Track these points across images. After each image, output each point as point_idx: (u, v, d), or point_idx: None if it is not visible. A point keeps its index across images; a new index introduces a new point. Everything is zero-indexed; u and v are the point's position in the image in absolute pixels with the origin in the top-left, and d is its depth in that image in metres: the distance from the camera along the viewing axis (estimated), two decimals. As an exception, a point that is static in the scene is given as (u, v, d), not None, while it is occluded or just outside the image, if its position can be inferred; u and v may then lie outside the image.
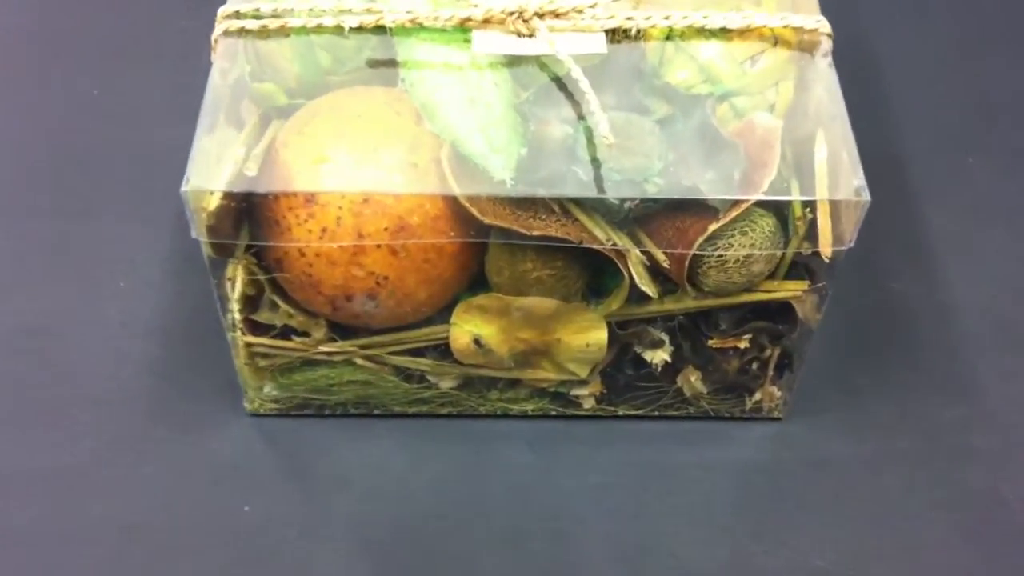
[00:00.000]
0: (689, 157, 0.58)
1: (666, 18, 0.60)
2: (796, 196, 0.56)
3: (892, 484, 0.65)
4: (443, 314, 0.61)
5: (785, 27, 0.61)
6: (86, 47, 0.88)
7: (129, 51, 0.87)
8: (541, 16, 0.60)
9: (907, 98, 0.85)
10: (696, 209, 0.56)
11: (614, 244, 0.56)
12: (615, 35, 0.61)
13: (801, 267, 0.60)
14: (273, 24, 0.60)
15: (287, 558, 0.61)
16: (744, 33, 0.61)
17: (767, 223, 0.57)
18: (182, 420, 0.66)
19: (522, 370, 0.63)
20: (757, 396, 0.65)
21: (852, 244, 0.56)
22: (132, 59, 0.87)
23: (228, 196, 0.54)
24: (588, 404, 0.66)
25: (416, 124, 0.58)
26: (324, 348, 0.62)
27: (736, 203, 0.56)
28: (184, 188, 0.53)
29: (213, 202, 0.54)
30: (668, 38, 0.61)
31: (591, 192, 0.55)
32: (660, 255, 0.57)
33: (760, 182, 0.56)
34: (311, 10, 0.60)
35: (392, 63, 0.61)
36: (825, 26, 0.61)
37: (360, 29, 0.59)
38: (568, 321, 0.60)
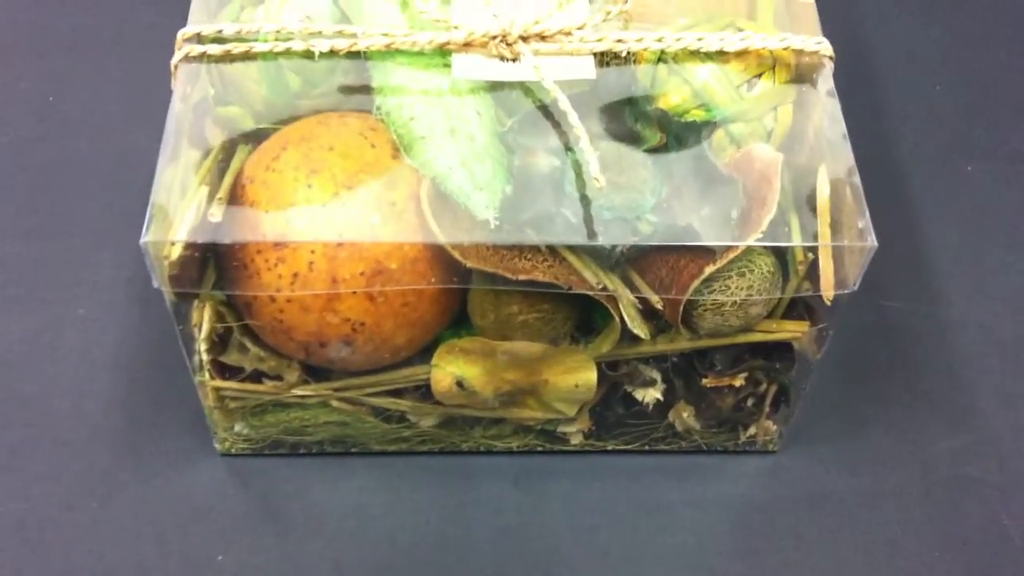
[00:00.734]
0: (683, 190, 0.55)
1: (659, 40, 0.56)
2: (797, 241, 0.52)
3: (890, 519, 0.62)
4: (423, 354, 0.58)
5: (785, 49, 0.57)
6: (36, 46, 0.83)
7: (84, 49, 0.83)
8: (526, 39, 0.56)
9: (904, 102, 0.82)
10: (691, 247, 0.53)
11: (604, 288, 0.53)
12: (605, 58, 0.57)
13: (800, 304, 0.57)
14: (237, 49, 0.55)
15: (262, 611, 0.58)
16: (741, 55, 0.57)
17: (766, 263, 0.54)
18: (149, 460, 0.63)
19: (507, 409, 0.60)
20: (752, 430, 0.63)
21: (856, 287, 0.53)
22: (88, 59, 0.82)
23: (191, 245, 0.50)
24: (576, 440, 0.63)
25: (393, 157, 0.54)
26: (298, 391, 0.58)
27: (733, 245, 0.53)
28: (144, 239, 0.50)
29: (175, 252, 0.50)
30: (661, 60, 0.57)
31: (581, 237, 0.52)
32: (654, 298, 0.54)
33: (759, 221, 0.53)
34: (278, 32, 0.56)
35: (366, 87, 0.57)
36: (827, 48, 0.58)
37: (332, 54, 0.55)
38: (556, 362, 0.57)
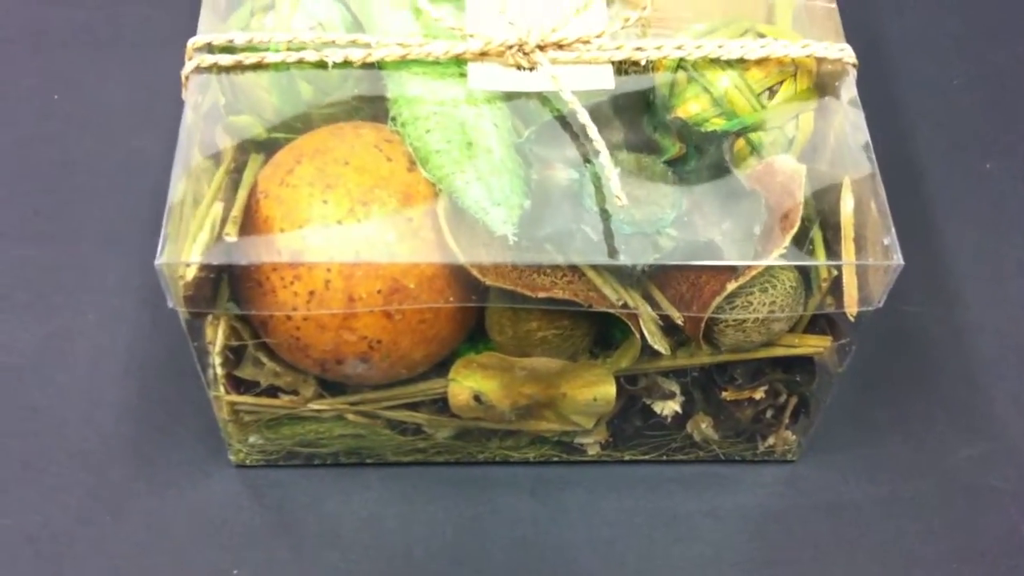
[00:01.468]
0: (704, 203, 0.54)
1: (678, 48, 0.55)
2: (821, 257, 0.52)
3: (909, 529, 0.62)
4: (440, 367, 0.57)
5: (807, 56, 0.56)
6: (38, 41, 0.81)
7: (88, 46, 0.81)
8: (543, 48, 0.55)
9: (921, 97, 0.80)
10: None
11: (625, 304, 0.52)
12: (623, 65, 0.56)
13: (823, 317, 0.56)
14: (249, 59, 0.54)
15: (278, 626, 0.58)
16: (762, 62, 0.56)
17: (788, 278, 0.53)
18: (163, 472, 0.62)
19: (524, 422, 0.59)
20: (771, 440, 0.62)
21: (881, 304, 0.52)
22: (92, 55, 0.80)
23: (206, 267, 0.49)
24: (593, 451, 0.62)
25: (409, 170, 0.53)
26: (313, 406, 0.58)
27: (756, 259, 0.52)
28: (158, 261, 0.49)
29: (190, 273, 0.49)
30: (680, 67, 0.56)
31: (601, 256, 0.51)
32: (675, 314, 0.53)
33: (782, 236, 0.52)
34: (290, 42, 0.55)
35: (381, 96, 0.56)
36: (850, 55, 0.56)
37: (345, 64, 0.54)
38: (574, 376, 0.57)
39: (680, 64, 0.56)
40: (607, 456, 0.62)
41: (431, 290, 0.52)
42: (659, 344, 0.54)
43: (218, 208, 0.51)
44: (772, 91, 0.56)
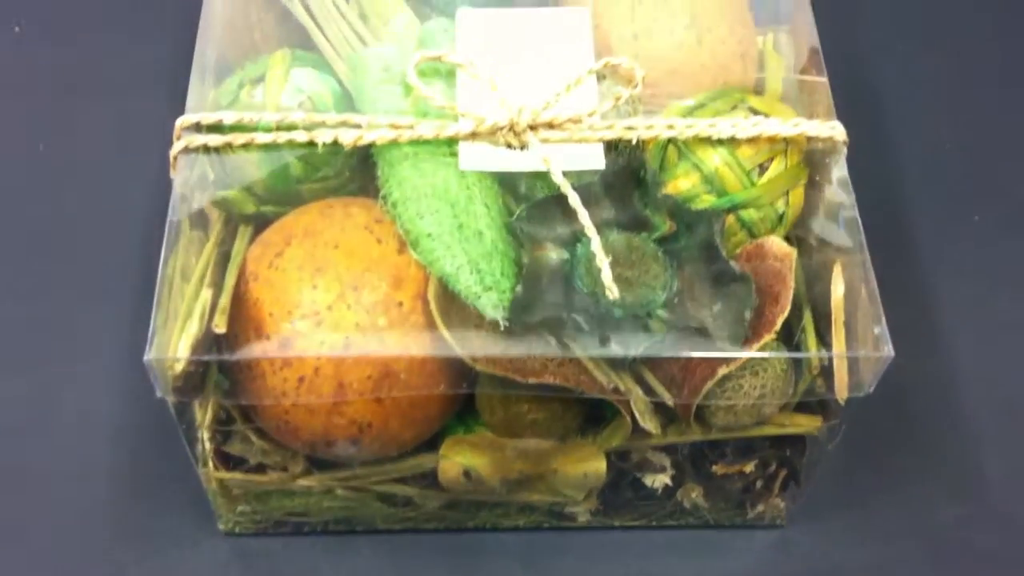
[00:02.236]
0: (695, 283, 0.54)
1: (670, 127, 0.55)
2: (812, 352, 0.52)
3: (898, 594, 0.63)
4: (429, 443, 0.57)
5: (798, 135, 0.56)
6: (25, 92, 0.80)
7: (70, 92, 0.80)
8: (534, 128, 0.54)
9: (907, 144, 0.80)
10: (703, 345, 0.52)
11: (616, 388, 0.52)
12: (615, 144, 0.56)
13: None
14: (238, 140, 0.54)
15: None
16: (753, 140, 0.56)
17: (779, 362, 0.53)
18: (151, 539, 0.62)
19: (514, 494, 0.59)
20: (760, 507, 0.62)
21: (871, 390, 0.52)
22: (75, 101, 0.80)
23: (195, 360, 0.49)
24: (583, 518, 0.62)
25: (399, 252, 0.53)
26: (303, 482, 0.57)
27: (746, 344, 0.52)
28: (147, 357, 0.48)
29: (179, 367, 0.49)
30: (671, 142, 0.56)
31: (593, 344, 0.51)
32: (667, 397, 0.53)
33: (773, 321, 0.52)
34: (279, 123, 0.54)
35: (371, 173, 0.56)
36: (840, 132, 0.56)
37: (335, 146, 0.54)
38: (565, 453, 0.57)
39: (671, 141, 0.56)
40: (597, 523, 0.63)
41: (422, 374, 0.52)
42: (649, 424, 0.54)
43: (207, 295, 0.51)
44: (763, 167, 0.56)
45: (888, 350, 0.50)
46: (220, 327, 0.50)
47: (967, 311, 0.73)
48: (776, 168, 0.56)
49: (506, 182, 0.56)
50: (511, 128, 0.54)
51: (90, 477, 0.64)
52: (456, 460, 0.57)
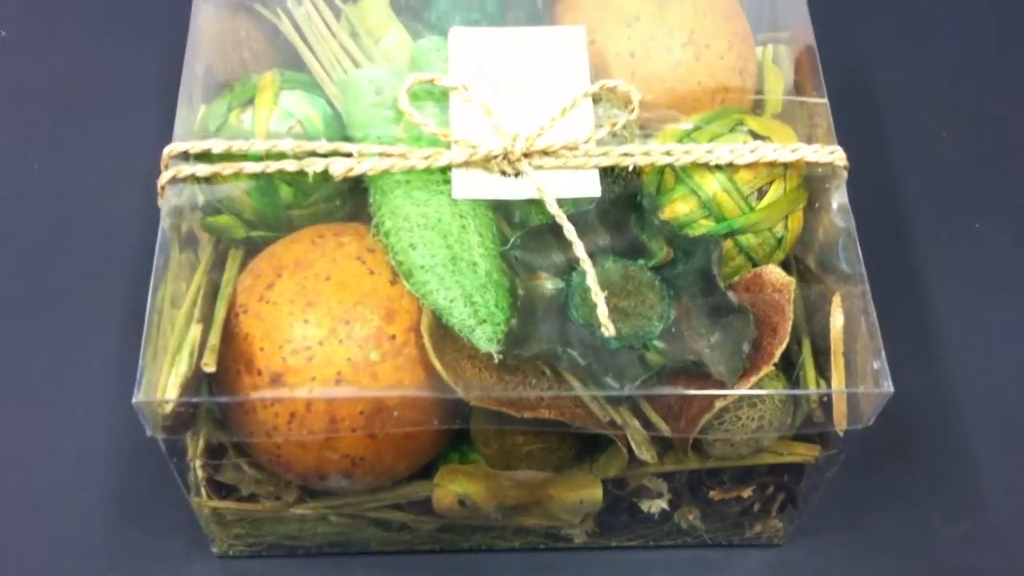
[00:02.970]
0: (692, 312, 0.53)
1: (667, 154, 0.54)
2: (810, 387, 0.51)
3: (895, 613, 0.62)
4: (424, 470, 0.57)
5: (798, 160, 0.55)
6: (9, 107, 0.79)
7: (61, 107, 0.79)
8: (529, 156, 0.53)
9: (908, 152, 0.79)
10: (702, 376, 0.52)
11: (612, 421, 0.52)
12: (611, 169, 0.55)
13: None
14: (227, 170, 0.53)
15: None
16: (751, 165, 0.55)
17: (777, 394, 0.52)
18: (145, 562, 0.62)
19: (510, 519, 0.59)
20: (757, 527, 0.62)
21: (871, 423, 0.51)
22: (67, 117, 0.78)
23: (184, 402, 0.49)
24: (579, 540, 0.62)
25: (392, 283, 0.52)
26: (296, 510, 0.57)
27: (745, 376, 0.51)
28: (136, 399, 0.48)
29: (168, 407, 0.48)
30: (668, 166, 0.55)
31: (588, 378, 0.50)
32: (664, 429, 0.52)
33: (772, 352, 0.51)
34: (268, 152, 0.53)
35: (363, 198, 0.55)
36: (841, 157, 0.55)
37: (326, 176, 0.53)
38: (561, 481, 0.56)
39: (668, 166, 0.55)
40: (594, 543, 0.62)
41: (415, 409, 0.51)
42: (647, 455, 0.53)
43: (196, 332, 0.50)
44: (761, 191, 0.55)
45: (888, 386, 0.49)
46: (210, 366, 0.49)
47: (966, 325, 0.72)
48: (775, 192, 0.55)
49: (500, 207, 0.55)
50: (505, 156, 0.53)
51: (84, 500, 0.63)
52: (451, 488, 0.56)
